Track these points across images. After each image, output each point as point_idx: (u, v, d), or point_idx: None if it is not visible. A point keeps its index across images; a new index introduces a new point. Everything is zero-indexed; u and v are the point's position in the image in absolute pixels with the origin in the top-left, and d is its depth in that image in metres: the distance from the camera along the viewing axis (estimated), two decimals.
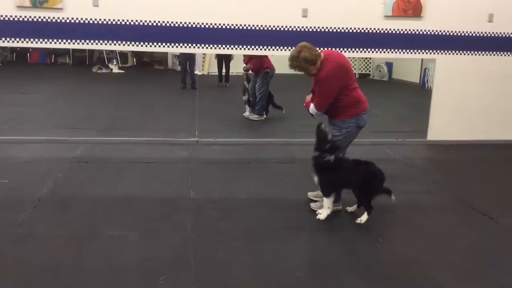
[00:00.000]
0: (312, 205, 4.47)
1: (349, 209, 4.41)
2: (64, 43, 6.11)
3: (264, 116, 8.64)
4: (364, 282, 3.24)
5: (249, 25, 6.35)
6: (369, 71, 16.87)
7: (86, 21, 6.05)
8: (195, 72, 13.30)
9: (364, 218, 4.19)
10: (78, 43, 6.16)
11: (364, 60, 16.74)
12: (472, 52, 6.85)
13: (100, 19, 6.07)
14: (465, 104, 6.97)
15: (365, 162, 4.26)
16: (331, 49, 4.82)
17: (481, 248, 3.82)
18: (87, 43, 6.17)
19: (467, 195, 4.98)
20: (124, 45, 6.26)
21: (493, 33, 6.82)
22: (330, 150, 4.10)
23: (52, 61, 17.63)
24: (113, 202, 4.49)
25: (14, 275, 3.20)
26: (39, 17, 5.97)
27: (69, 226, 3.95)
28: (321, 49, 4.28)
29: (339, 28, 6.45)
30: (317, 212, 4.30)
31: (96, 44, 6.20)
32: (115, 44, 6.24)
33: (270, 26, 6.37)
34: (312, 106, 4.20)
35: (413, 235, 4.04)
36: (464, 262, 3.57)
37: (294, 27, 6.25)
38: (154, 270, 3.28)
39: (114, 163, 5.73)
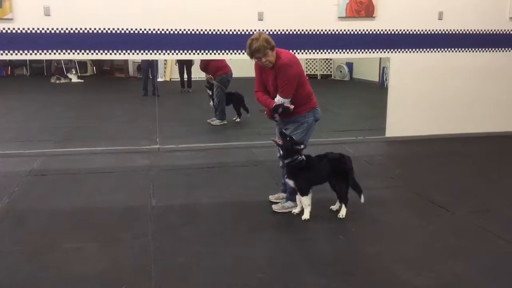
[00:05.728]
0: (274, 207, 4.50)
1: (333, 207, 4.44)
2: (16, 54, 5.95)
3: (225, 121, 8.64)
4: (325, 279, 3.28)
5: (206, 30, 6.36)
6: (331, 71, 17.08)
7: (38, 31, 5.93)
8: (158, 79, 13.15)
9: (343, 211, 4.28)
10: (31, 54, 6.00)
11: (325, 61, 16.93)
12: (424, 49, 7.06)
13: (53, 29, 5.95)
14: (420, 100, 7.17)
15: (328, 153, 4.38)
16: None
17: (438, 240, 3.92)
18: (41, 53, 6.03)
19: (425, 188, 5.12)
20: (80, 53, 6.14)
21: (443, 30, 7.04)
22: (298, 150, 4.16)
23: (9, 73, 17.10)
24: (72, 214, 4.39)
25: None
26: None
27: (25, 241, 3.84)
28: None
29: (294, 30, 6.54)
30: (293, 212, 4.38)
31: (50, 53, 6.06)
32: (70, 53, 6.11)
33: (227, 30, 6.40)
34: (277, 98, 4.20)
35: (373, 230, 4.13)
36: (422, 255, 3.65)
37: (251, 30, 6.28)
38: (114, 281, 3.22)
39: (72, 175, 5.61)
